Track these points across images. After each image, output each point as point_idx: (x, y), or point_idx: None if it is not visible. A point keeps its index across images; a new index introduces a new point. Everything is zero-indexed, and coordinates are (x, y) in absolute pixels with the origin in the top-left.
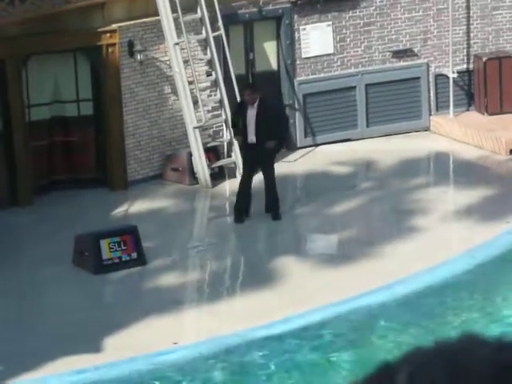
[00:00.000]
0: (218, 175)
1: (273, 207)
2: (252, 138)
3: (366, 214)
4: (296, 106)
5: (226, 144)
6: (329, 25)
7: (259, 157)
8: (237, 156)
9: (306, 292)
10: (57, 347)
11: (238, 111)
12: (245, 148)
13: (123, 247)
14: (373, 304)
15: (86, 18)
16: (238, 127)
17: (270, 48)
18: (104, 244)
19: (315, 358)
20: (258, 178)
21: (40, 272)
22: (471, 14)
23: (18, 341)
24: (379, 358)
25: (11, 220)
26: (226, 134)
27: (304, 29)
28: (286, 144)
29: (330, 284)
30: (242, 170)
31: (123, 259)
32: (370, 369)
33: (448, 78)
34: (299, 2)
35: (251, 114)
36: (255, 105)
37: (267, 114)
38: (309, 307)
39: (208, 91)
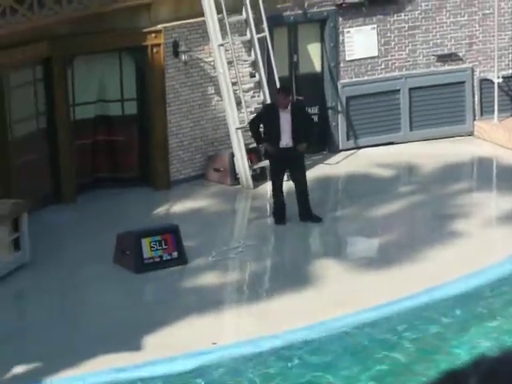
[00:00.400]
0: (260, 176)
1: (307, 215)
2: (287, 141)
3: (408, 217)
4: (339, 108)
5: None
6: (373, 28)
7: (292, 161)
8: None
9: (346, 295)
10: (97, 345)
11: (267, 115)
12: (276, 152)
13: (164, 246)
14: (412, 308)
15: (133, 18)
16: (257, 131)
17: (313, 50)
18: (145, 243)
19: (353, 362)
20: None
21: (82, 270)
22: None
23: (60, 338)
24: (416, 365)
25: (54, 218)
26: None
27: (348, 31)
28: (328, 147)
29: (370, 287)
30: (272, 177)
31: (164, 258)
32: (437, 375)
33: (493, 82)
34: (344, 5)
35: (285, 117)
36: (288, 108)
37: (302, 116)
38: (348, 310)
39: (251, 92)
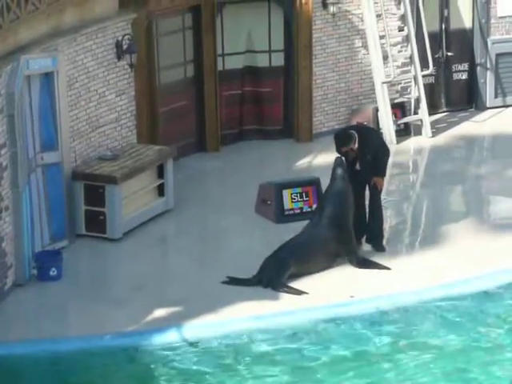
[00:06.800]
0: (403, 132)
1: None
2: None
3: None
4: (488, 65)
5: (413, 101)
6: None
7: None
8: (424, 114)
9: (485, 255)
10: (236, 292)
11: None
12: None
13: (305, 198)
14: None
15: None
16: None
17: (465, 5)
18: (286, 194)
19: (491, 320)
20: None
21: (223, 218)
22: None
23: (199, 283)
24: None
25: (198, 166)
26: (414, 91)
27: None
28: (475, 104)
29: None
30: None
31: (304, 210)
32: None
33: None
34: None
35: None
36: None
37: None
38: (488, 270)
39: (399, 46)
